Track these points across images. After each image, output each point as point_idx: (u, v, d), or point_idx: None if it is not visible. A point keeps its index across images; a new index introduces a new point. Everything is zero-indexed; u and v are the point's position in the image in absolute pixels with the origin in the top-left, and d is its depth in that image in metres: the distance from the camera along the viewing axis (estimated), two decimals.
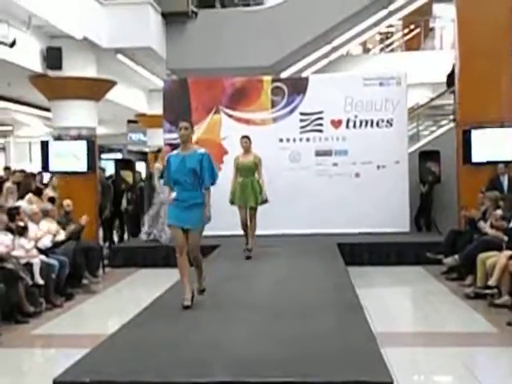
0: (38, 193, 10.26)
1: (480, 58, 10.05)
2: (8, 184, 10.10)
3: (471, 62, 10.27)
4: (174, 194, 5.48)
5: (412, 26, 19.72)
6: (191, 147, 5.59)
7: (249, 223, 8.51)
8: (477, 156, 10.26)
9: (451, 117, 12.61)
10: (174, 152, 5.67)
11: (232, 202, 8.51)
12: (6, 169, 10.81)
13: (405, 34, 19.97)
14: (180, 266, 5.49)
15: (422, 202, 11.69)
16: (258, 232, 9.60)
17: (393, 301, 7.88)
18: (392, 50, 19.79)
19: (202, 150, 5.57)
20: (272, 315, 5.22)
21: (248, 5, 14.08)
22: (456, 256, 8.20)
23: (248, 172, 8.41)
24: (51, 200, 9.57)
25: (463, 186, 10.42)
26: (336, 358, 3.99)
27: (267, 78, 11.47)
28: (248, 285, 6.72)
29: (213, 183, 5.54)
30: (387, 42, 20.29)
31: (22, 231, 7.39)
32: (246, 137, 8.57)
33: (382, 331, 5.41)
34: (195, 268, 5.69)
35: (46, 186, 11.54)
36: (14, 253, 6.96)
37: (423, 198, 11.69)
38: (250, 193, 8.36)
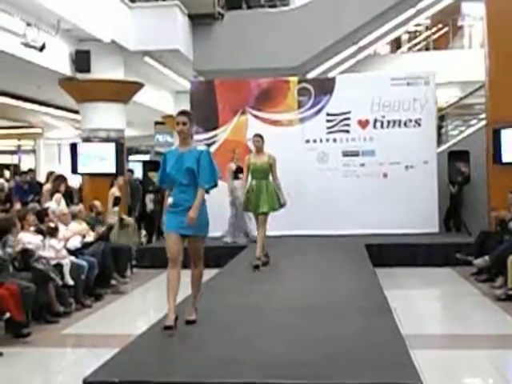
0: (70, 195, 10.39)
1: (510, 56, 9.90)
2: (47, 186, 10.30)
3: (500, 60, 10.13)
4: (170, 199, 4.79)
5: (440, 25, 19.51)
6: (190, 144, 4.87)
7: (259, 229, 7.70)
8: (507, 156, 10.11)
9: (481, 116, 12.46)
10: (172, 148, 5.15)
11: (245, 209, 8.06)
12: (51, 173, 11.11)
13: (433, 33, 19.76)
14: (170, 279, 4.84)
15: (452, 203, 11.55)
16: (285, 233, 9.64)
17: (421, 302, 7.78)
18: (420, 50, 19.60)
19: (203, 148, 4.95)
20: (300, 316, 5.20)
21: (274, 6, 14.08)
22: (486, 257, 8.07)
23: (262, 174, 7.63)
24: (117, 199, 9.76)
25: (493, 186, 10.27)
26: (364, 359, 3.96)
27: (293, 79, 11.45)
28: (276, 286, 6.71)
29: (213, 186, 4.84)
30: (415, 41, 20.10)
31: (52, 232, 7.48)
32: (259, 135, 7.80)
33: (411, 333, 5.34)
34: (192, 284, 4.99)
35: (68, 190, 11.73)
36: (45, 253, 7.05)
37: (452, 198, 11.55)
38: (264, 197, 7.57)
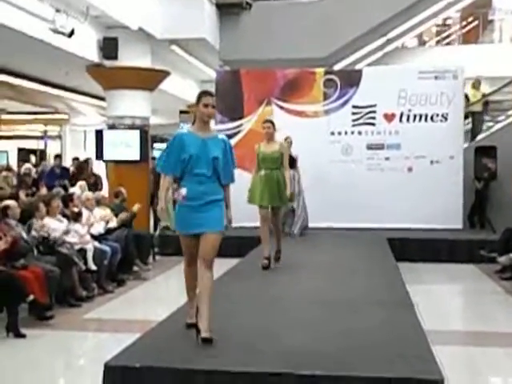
0: (95, 181, 10.49)
1: None
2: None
3: None
4: (184, 191, 4.18)
5: (470, 19, 19.22)
6: (211, 129, 4.40)
7: (271, 226, 7.10)
8: None
9: (509, 112, 12.28)
10: (184, 130, 4.57)
11: (250, 201, 7.00)
12: (76, 159, 11.33)
13: (462, 27, 19.48)
14: (188, 277, 4.45)
15: (477, 199, 11.40)
16: (307, 225, 9.57)
17: (444, 298, 7.73)
18: (449, 43, 19.33)
19: (223, 136, 4.46)
20: (321, 309, 5.19)
21: None
22: (511, 255, 7.99)
23: (273, 164, 6.92)
24: None
25: None
26: (386, 353, 3.94)
27: (320, 70, 11.38)
28: (297, 278, 6.70)
29: (233, 180, 4.42)
30: (444, 34, 19.83)
31: (76, 217, 7.56)
32: (270, 121, 7.18)
33: (433, 329, 5.30)
34: (203, 293, 4.15)
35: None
36: (69, 238, 7.12)
37: (478, 194, 11.40)
38: (274, 189, 6.90)
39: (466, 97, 12.48)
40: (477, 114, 12.51)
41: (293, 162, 9.43)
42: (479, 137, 12.35)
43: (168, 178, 4.30)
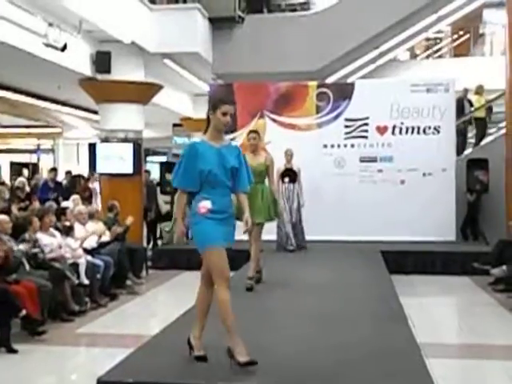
0: (89, 194, 10.49)
1: None
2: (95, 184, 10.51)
3: None
4: (208, 204, 3.94)
5: (461, 32, 19.37)
6: (223, 137, 4.19)
7: (253, 243, 6.61)
8: None
9: (500, 124, 12.36)
10: (197, 139, 4.28)
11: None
12: (68, 173, 11.34)
13: (454, 40, 19.64)
14: (205, 301, 4.13)
15: (469, 211, 11.45)
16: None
17: (438, 311, 7.72)
18: (440, 56, 19.48)
19: (235, 142, 4.38)
20: (315, 322, 5.18)
21: (294, 10, 14.08)
22: (504, 267, 8.01)
23: (257, 177, 6.25)
24: None
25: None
26: (379, 367, 3.93)
27: (312, 84, 11.43)
28: (290, 291, 6.69)
29: (251, 184, 4.32)
30: (435, 47, 19.99)
31: (68, 231, 7.53)
32: (255, 131, 6.81)
33: (426, 342, 5.30)
34: (228, 313, 3.96)
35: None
36: (61, 253, 7.09)
37: (470, 206, 11.45)
38: (258, 205, 6.53)
39: (470, 102, 12.65)
40: (480, 120, 12.66)
41: (294, 176, 9.65)
42: (468, 150, 12.44)
43: (184, 194, 4.08)
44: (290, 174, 9.73)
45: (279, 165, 9.30)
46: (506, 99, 10.86)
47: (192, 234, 4.09)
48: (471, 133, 13.02)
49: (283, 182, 9.63)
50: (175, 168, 4.09)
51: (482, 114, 12.63)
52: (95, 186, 12.02)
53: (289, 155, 9.65)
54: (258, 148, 6.70)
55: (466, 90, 12.83)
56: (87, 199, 11.52)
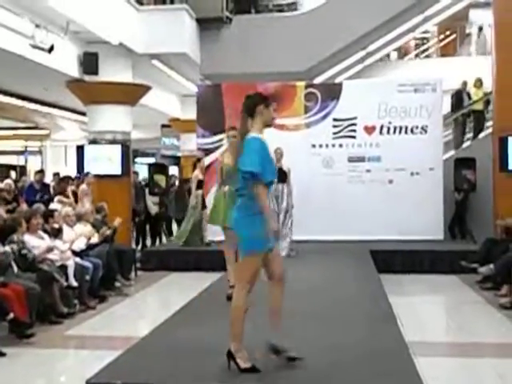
0: (75, 196, 10.42)
1: None
2: (83, 186, 10.34)
3: (508, 68, 10.11)
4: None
5: (448, 32, 19.49)
6: None
7: (230, 246, 6.14)
8: None
9: (487, 124, 12.46)
10: (256, 135, 3.97)
11: (212, 221, 6.36)
12: (86, 174, 11.36)
13: (440, 40, 19.75)
14: (243, 308, 4.01)
15: (457, 210, 11.53)
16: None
17: (426, 310, 7.76)
18: (427, 56, 19.58)
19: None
20: (304, 322, 5.19)
21: (282, 11, 14.10)
22: (491, 265, 8.04)
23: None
24: (200, 182, 10.03)
25: (499, 194, 10.25)
26: (368, 366, 3.95)
27: (300, 84, 11.45)
28: None
29: None
30: (423, 47, 20.09)
31: (56, 233, 7.50)
32: (235, 128, 5.74)
33: (415, 340, 5.33)
34: (277, 310, 4.19)
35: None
36: (50, 255, 7.05)
37: (458, 205, 11.52)
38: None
39: (468, 95, 12.78)
40: (478, 113, 12.80)
41: (284, 176, 9.16)
42: (453, 151, 12.53)
43: (266, 188, 3.90)
44: (280, 174, 9.54)
45: None
46: (492, 99, 10.93)
47: (243, 234, 3.93)
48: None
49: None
50: (251, 159, 3.85)
51: (479, 106, 12.77)
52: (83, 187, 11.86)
53: (278, 154, 9.18)
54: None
55: (465, 83, 13.00)
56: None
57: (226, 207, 6.00)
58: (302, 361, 4.00)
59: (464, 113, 12.90)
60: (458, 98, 12.77)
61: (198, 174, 10.17)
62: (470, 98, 12.96)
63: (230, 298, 5.05)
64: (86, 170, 11.30)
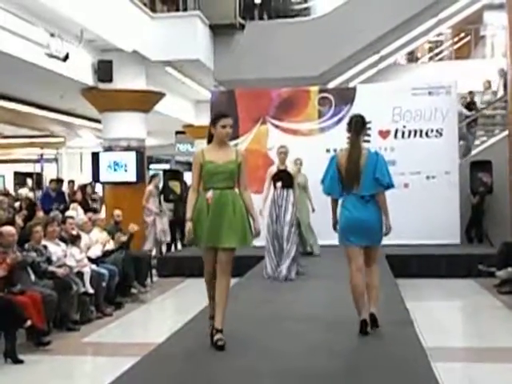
0: (87, 204, 10.53)
1: None
2: (150, 187, 10.89)
3: None
4: None
5: (462, 34, 19.39)
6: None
7: (220, 278, 4.62)
8: None
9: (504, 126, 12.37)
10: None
11: (192, 243, 4.66)
12: (154, 176, 11.67)
13: (454, 43, 19.65)
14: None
15: (474, 214, 11.43)
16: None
17: (443, 314, 7.70)
18: (441, 59, 19.49)
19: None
20: (320, 327, 5.18)
21: (295, 16, 14.11)
22: (509, 269, 7.98)
23: (226, 180, 4.57)
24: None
25: None
26: (385, 371, 3.92)
27: (314, 89, 11.44)
28: (296, 297, 6.69)
29: None
30: (436, 50, 20.00)
31: (74, 240, 7.53)
32: (227, 116, 4.73)
33: (433, 346, 5.28)
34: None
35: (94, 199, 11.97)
36: (66, 262, 7.09)
37: (474, 209, 11.43)
38: (230, 221, 4.50)
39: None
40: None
41: (289, 180, 7.88)
42: (474, 151, 12.44)
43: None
44: (284, 178, 7.84)
45: (271, 167, 8.13)
46: (508, 101, 10.84)
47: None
48: None
49: (275, 187, 7.74)
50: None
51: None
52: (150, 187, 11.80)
53: (283, 153, 7.89)
54: (226, 141, 4.76)
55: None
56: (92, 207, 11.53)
57: (211, 220, 4.50)
58: (314, 367, 3.99)
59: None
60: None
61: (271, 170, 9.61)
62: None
63: (220, 346, 4.42)
64: (97, 178, 11.39)
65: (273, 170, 7.99)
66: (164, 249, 12.64)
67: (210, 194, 4.53)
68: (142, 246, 10.64)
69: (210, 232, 4.51)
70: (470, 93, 13.67)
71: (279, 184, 7.81)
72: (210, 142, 4.78)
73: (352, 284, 4.96)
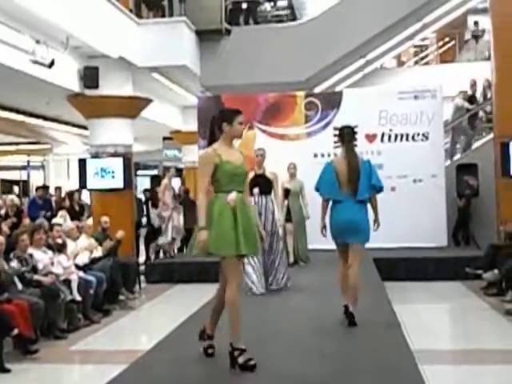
0: (74, 211, 10.49)
1: None
2: (165, 180, 11.30)
3: (508, 73, 10.12)
4: None
5: (447, 39, 19.53)
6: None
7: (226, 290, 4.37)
8: None
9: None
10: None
11: (205, 252, 4.15)
12: (167, 169, 12.08)
13: (439, 47, 19.79)
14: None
15: (460, 216, 11.50)
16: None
17: (431, 317, 7.73)
18: (427, 63, 19.62)
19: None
20: (308, 331, 5.18)
21: (281, 21, 14.15)
22: (496, 271, 8.04)
23: (242, 183, 4.28)
24: (287, 191, 9.26)
25: (502, 199, 10.25)
26: (373, 375, 3.93)
27: (300, 93, 11.49)
28: (285, 300, 6.69)
29: None
30: (422, 54, 20.12)
31: (60, 248, 7.50)
32: (241, 112, 4.31)
33: (420, 348, 5.31)
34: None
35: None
36: (53, 269, 7.06)
37: (461, 212, 11.50)
38: (247, 226, 4.18)
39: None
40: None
41: (267, 185, 7.34)
42: (459, 155, 12.53)
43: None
44: (261, 183, 7.21)
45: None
46: (492, 104, 10.94)
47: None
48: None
49: (252, 194, 6.64)
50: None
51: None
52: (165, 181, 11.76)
53: (259, 156, 7.37)
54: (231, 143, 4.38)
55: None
56: (79, 214, 11.48)
57: (237, 226, 4.11)
58: (305, 370, 4.00)
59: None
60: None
61: (283, 183, 9.18)
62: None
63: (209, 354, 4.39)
64: (84, 185, 11.34)
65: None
66: (176, 247, 12.12)
67: (233, 195, 4.03)
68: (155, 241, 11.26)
69: (246, 239, 4.08)
70: (473, 85, 13.65)
71: (256, 190, 7.07)
72: (211, 141, 4.24)
73: (338, 272, 5.79)
